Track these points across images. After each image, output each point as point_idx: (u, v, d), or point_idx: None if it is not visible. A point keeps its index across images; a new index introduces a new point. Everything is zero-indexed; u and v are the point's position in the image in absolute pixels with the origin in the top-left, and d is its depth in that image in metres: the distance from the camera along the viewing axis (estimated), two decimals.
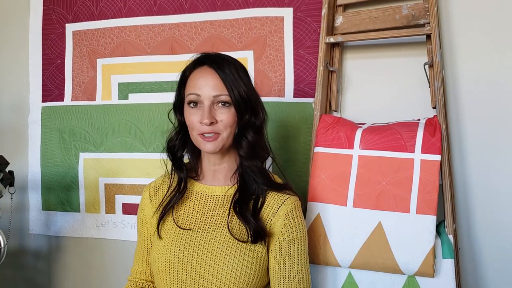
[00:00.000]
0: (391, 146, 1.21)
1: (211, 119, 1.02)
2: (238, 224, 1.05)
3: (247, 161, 1.07)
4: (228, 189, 1.10)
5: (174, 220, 1.09)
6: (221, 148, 1.05)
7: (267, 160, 1.15)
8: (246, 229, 1.03)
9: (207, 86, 1.03)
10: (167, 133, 1.16)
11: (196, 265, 1.03)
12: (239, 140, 1.07)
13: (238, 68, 1.06)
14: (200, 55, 1.09)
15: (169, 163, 1.14)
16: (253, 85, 1.10)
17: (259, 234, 1.03)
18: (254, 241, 1.02)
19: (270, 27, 1.53)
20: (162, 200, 1.13)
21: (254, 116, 1.07)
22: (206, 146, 1.05)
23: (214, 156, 1.10)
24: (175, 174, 1.14)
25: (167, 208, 1.10)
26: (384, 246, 1.17)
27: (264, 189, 1.07)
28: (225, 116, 1.03)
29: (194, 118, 1.04)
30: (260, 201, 1.06)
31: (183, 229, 1.08)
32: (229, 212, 1.06)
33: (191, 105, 1.05)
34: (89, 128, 1.73)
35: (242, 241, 1.03)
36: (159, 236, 1.09)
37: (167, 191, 1.13)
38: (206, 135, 1.04)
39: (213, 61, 1.05)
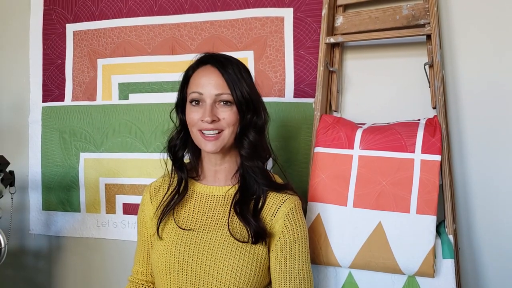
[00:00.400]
0: (391, 146, 1.21)
1: (213, 117, 1.03)
2: (239, 225, 1.05)
3: (248, 161, 1.07)
4: (229, 189, 1.10)
5: (175, 220, 1.09)
6: (221, 148, 1.05)
7: (268, 161, 1.15)
8: (247, 230, 1.03)
9: (210, 85, 1.04)
10: (168, 132, 1.16)
11: (197, 266, 1.03)
12: (241, 140, 1.07)
13: (241, 68, 1.07)
14: (203, 54, 1.10)
15: (169, 163, 1.14)
16: (255, 86, 1.11)
17: (260, 234, 1.03)
18: (254, 242, 1.03)
19: (271, 27, 1.53)
20: (161, 201, 1.13)
21: (256, 116, 1.07)
22: (206, 146, 1.05)
23: (215, 156, 1.10)
24: (175, 174, 1.14)
25: (167, 210, 1.10)
26: (384, 246, 1.17)
27: (264, 189, 1.07)
28: (227, 114, 1.04)
29: (195, 116, 1.05)
30: (260, 201, 1.06)
31: (184, 229, 1.08)
32: (229, 212, 1.06)
33: (193, 103, 1.06)
34: (90, 128, 1.73)
35: (243, 242, 1.03)
36: (159, 237, 1.09)
37: (167, 191, 1.13)
38: (206, 132, 1.04)
39: (216, 60, 1.06)
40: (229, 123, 1.04)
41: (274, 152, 1.15)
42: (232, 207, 1.06)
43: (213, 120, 1.03)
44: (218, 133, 1.04)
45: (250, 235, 1.02)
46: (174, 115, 1.14)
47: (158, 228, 1.10)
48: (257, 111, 1.07)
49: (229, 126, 1.04)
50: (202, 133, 1.05)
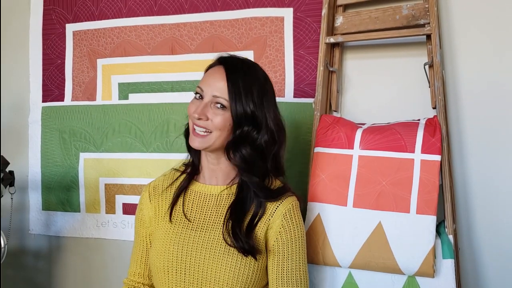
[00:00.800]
0: (391, 146, 1.21)
1: (201, 115, 1.03)
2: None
3: (245, 176, 1.06)
4: (223, 190, 1.10)
5: (183, 208, 1.10)
6: (206, 147, 1.05)
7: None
8: (236, 245, 1.02)
9: (212, 85, 1.04)
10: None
11: (195, 265, 1.03)
12: (233, 151, 1.06)
13: (254, 81, 1.05)
14: (226, 55, 1.11)
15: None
16: (268, 105, 1.08)
17: (249, 252, 1.02)
18: (245, 256, 1.02)
19: (270, 27, 1.53)
20: (173, 182, 1.14)
21: (257, 132, 1.05)
22: (192, 142, 1.06)
23: (209, 155, 1.10)
24: (176, 172, 1.16)
25: (179, 192, 1.11)
26: (384, 246, 1.17)
27: (263, 201, 1.06)
28: (217, 118, 1.03)
29: (191, 108, 1.07)
30: (257, 216, 1.05)
31: (188, 219, 1.08)
32: (225, 217, 1.06)
33: (197, 96, 1.08)
34: (89, 128, 1.73)
35: (235, 247, 1.02)
36: (170, 220, 1.09)
37: (180, 175, 1.15)
38: (197, 128, 1.05)
39: (231, 64, 1.07)
40: (216, 126, 1.03)
41: (285, 176, 1.14)
42: (226, 213, 1.06)
43: (200, 118, 1.03)
44: (207, 132, 1.04)
45: (240, 251, 1.02)
46: None
47: (171, 213, 1.10)
48: (259, 127, 1.06)
49: (217, 130, 1.04)
50: (194, 128, 1.06)
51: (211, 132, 1.04)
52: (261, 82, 1.08)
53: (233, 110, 1.03)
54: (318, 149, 1.29)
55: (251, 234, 1.03)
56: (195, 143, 1.05)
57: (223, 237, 1.04)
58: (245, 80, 1.04)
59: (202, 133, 1.04)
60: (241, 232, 1.02)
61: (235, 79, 1.04)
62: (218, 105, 1.04)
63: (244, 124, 1.04)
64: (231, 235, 1.02)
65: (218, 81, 1.04)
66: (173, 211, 1.11)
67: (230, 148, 1.06)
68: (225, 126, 1.04)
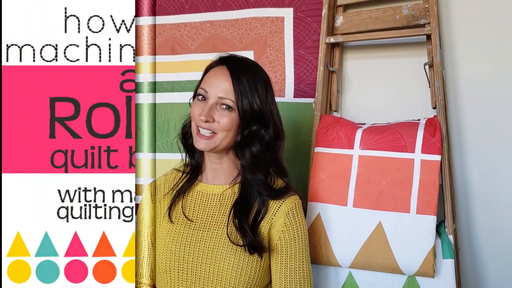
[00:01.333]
0: (391, 146, 1.21)
1: (208, 117, 1.03)
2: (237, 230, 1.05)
3: (249, 174, 1.07)
4: (226, 189, 1.10)
5: (183, 209, 1.09)
6: (212, 148, 1.05)
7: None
8: (243, 242, 1.02)
9: (217, 86, 1.04)
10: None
11: (197, 264, 1.03)
12: (243, 150, 1.06)
13: (257, 79, 1.06)
14: (226, 54, 1.10)
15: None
16: (271, 101, 1.09)
17: (255, 248, 1.02)
18: (251, 253, 1.02)
19: (271, 27, 1.53)
20: (176, 184, 1.14)
21: (264, 130, 1.06)
22: (198, 143, 1.06)
23: (212, 155, 1.10)
24: (179, 171, 1.15)
25: (180, 193, 1.11)
26: (384, 246, 1.17)
27: (266, 199, 1.06)
28: (224, 119, 1.03)
29: (195, 110, 1.06)
30: (261, 214, 1.05)
31: (189, 220, 1.08)
32: (228, 215, 1.06)
33: (199, 98, 1.07)
34: None
35: (240, 246, 1.02)
36: (170, 220, 1.09)
37: (182, 175, 1.14)
38: (202, 130, 1.04)
39: (233, 64, 1.06)
40: (223, 127, 1.03)
41: (289, 177, 1.14)
42: (230, 212, 1.06)
43: (207, 120, 1.03)
44: (212, 134, 1.04)
45: (246, 248, 1.02)
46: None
47: (169, 213, 1.10)
48: (266, 125, 1.06)
49: (223, 131, 1.04)
50: (198, 130, 1.05)
51: (216, 133, 1.04)
52: (263, 78, 1.08)
53: (241, 109, 1.03)
54: (318, 149, 1.29)
55: (256, 231, 1.03)
56: (201, 144, 1.05)
57: (227, 235, 1.04)
58: (249, 78, 1.04)
59: (208, 134, 1.04)
60: (248, 228, 1.02)
61: (240, 78, 1.03)
62: (224, 106, 1.03)
63: (251, 122, 1.04)
64: (238, 231, 1.02)
65: (223, 81, 1.04)
66: (173, 211, 1.11)
67: (241, 147, 1.06)
68: (232, 126, 1.04)
